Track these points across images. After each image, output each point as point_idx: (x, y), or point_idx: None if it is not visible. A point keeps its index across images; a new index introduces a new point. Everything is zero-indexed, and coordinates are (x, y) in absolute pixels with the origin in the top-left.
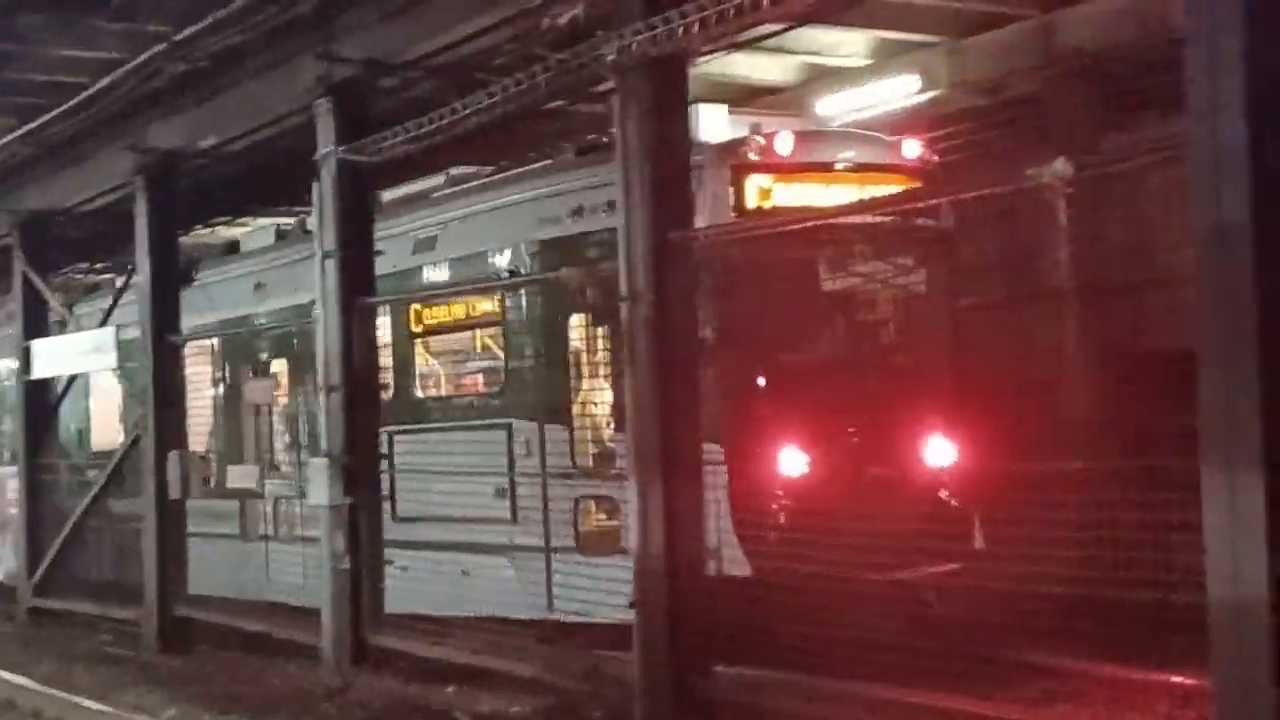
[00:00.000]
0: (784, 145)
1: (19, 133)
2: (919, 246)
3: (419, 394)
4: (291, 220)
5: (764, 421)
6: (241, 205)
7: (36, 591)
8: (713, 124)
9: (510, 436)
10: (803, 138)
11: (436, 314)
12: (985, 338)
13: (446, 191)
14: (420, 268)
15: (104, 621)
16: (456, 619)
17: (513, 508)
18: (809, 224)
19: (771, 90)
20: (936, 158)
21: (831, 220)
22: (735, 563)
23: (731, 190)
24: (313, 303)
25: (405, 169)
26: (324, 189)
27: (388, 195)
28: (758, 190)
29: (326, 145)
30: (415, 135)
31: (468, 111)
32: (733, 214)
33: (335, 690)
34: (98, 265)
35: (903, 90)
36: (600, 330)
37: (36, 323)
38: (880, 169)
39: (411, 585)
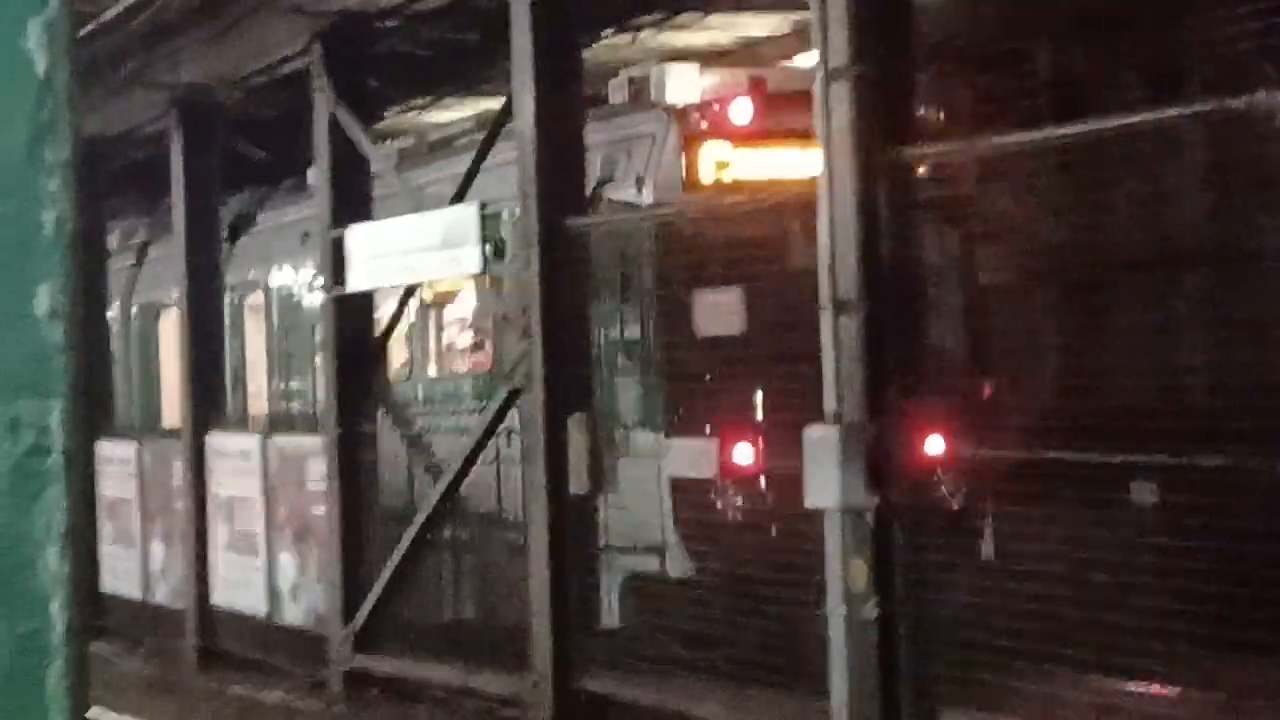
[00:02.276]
0: (741, 113)
1: None
2: None
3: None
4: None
5: None
6: None
7: (359, 644)
8: (681, 84)
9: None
10: (766, 102)
11: None
12: None
13: None
14: None
15: (466, 697)
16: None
17: None
18: None
19: None
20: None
21: None
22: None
23: (683, 161)
24: None
25: None
26: None
27: None
28: (714, 162)
29: None
30: None
31: None
32: (683, 189)
33: None
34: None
35: None
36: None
37: (352, 199)
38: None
39: None
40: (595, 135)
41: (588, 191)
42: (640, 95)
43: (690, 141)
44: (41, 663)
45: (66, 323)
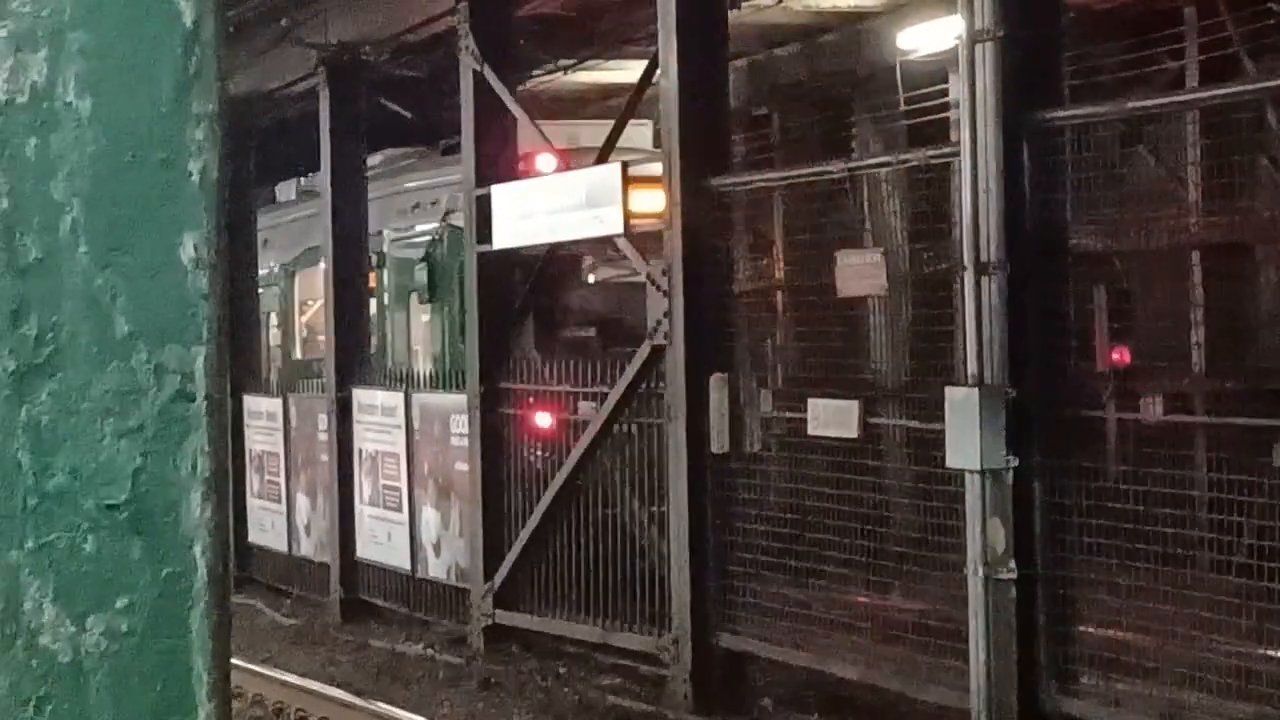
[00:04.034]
0: (546, 164)
1: None
2: None
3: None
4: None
5: None
6: None
7: (498, 600)
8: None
9: None
10: (564, 156)
11: None
12: None
13: None
14: None
15: (603, 653)
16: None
17: None
18: None
19: None
20: None
21: None
22: None
23: None
24: None
25: None
26: None
27: None
28: None
29: None
30: None
31: None
32: None
33: None
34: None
35: None
36: None
37: (497, 158)
38: (646, 182)
39: None
40: (449, 176)
41: (439, 220)
42: None
43: None
44: (185, 606)
45: (210, 271)
